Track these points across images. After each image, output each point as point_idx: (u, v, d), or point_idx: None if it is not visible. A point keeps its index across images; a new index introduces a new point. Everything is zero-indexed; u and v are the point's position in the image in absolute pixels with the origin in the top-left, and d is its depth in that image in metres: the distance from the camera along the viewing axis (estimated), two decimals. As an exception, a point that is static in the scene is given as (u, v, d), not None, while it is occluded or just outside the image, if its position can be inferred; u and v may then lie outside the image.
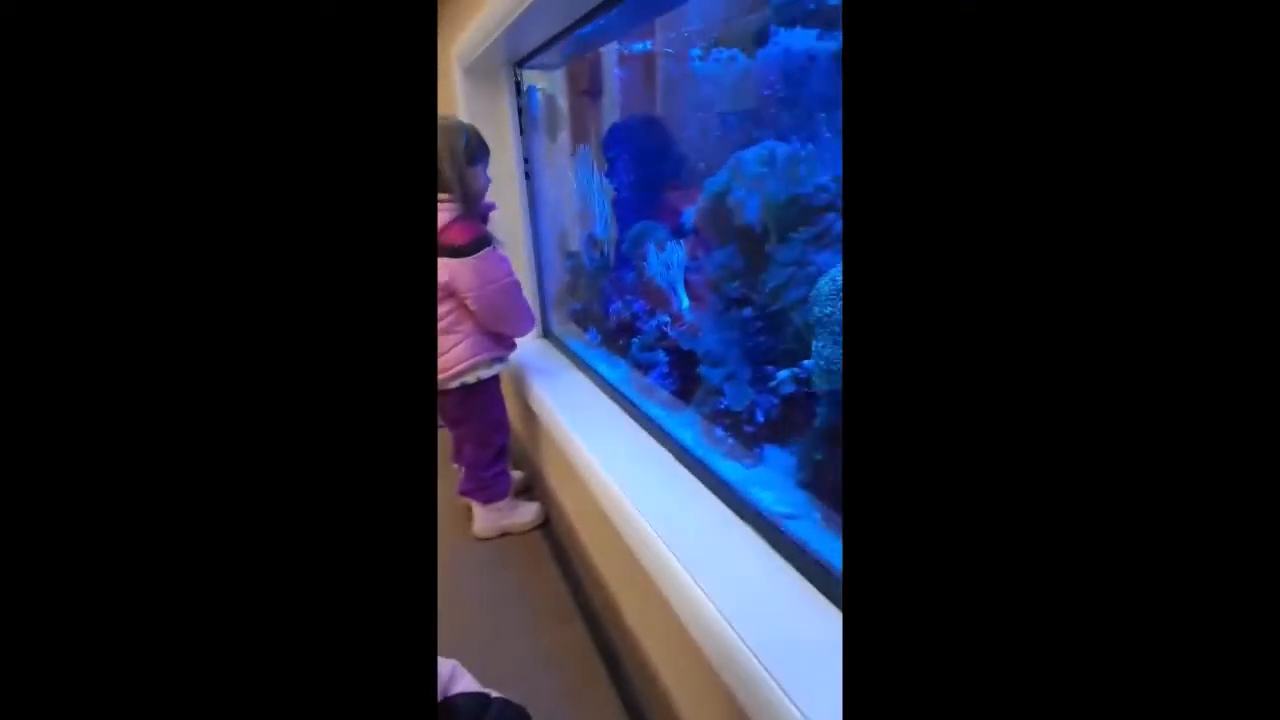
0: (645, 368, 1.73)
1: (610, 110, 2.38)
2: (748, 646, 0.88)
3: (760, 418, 1.30)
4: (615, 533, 1.35)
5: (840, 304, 1.03)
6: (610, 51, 2.30)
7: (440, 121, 1.81)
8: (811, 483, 1.14)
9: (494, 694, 0.71)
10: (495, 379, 2.10)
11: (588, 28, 1.72)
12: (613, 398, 1.80)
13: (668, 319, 1.72)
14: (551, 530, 2.25)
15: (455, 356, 1.95)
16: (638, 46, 2.17)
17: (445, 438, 2.23)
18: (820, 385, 1.09)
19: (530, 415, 2.18)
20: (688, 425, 1.49)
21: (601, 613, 1.76)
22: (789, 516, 1.12)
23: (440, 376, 1.97)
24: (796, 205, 1.27)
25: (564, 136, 2.51)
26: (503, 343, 2.06)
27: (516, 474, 2.44)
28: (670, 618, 1.12)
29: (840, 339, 1.02)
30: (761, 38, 1.47)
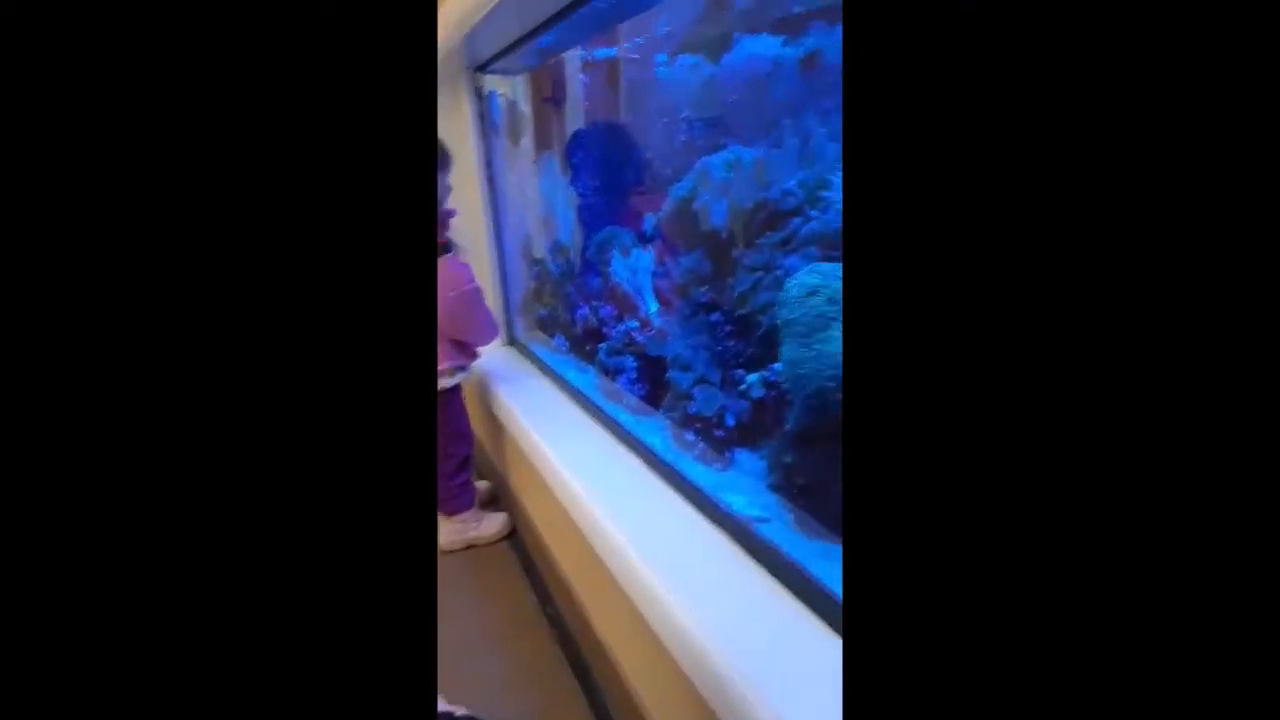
0: (613, 373, 1.72)
1: (574, 116, 2.37)
2: (720, 652, 0.87)
3: (730, 421, 1.29)
4: (584, 542, 1.33)
5: (807, 307, 1.04)
6: (573, 57, 2.29)
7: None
8: (782, 485, 1.14)
9: (460, 712, 0.69)
10: (457, 389, 2.06)
11: (550, 34, 1.71)
12: (580, 404, 1.78)
13: (636, 324, 1.71)
14: (519, 541, 2.21)
15: (417, 365, 1.90)
16: (601, 53, 2.16)
17: (407, 449, 2.16)
18: (789, 388, 1.10)
19: (495, 424, 2.14)
20: (657, 430, 1.48)
21: (571, 623, 1.73)
22: (760, 520, 1.12)
23: (401, 386, 1.91)
24: (763, 210, 1.28)
25: (526, 142, 2.48)
26: (464, 351, 2.02)
27: (481, 485, 2.39)
28: (641, 626, 1.11)
29: (807, 342, 1.03)
30: (725, 44, 1.48)
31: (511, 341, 2.59)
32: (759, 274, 1.24)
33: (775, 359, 1.14)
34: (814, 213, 1.20)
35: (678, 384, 1.40)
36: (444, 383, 1.98)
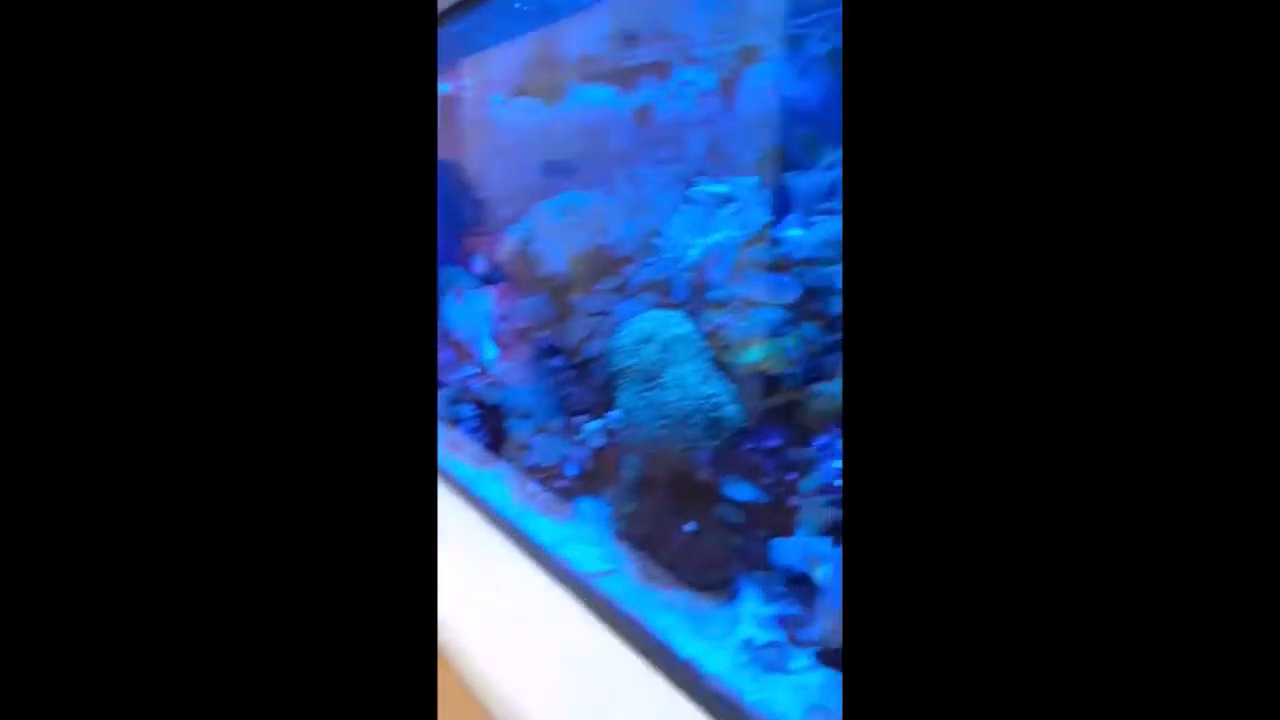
0: (452, 422, 1.62)
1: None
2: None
3: (572, 471, 1.25)
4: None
5: (641, 355, 1.04)
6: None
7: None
8: (626, 535, 1.12)
9: None
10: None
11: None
12: (416, 457, 1.65)
13: (475, 370, 1.62)
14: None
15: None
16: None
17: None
18: (627, 436, 1.08)
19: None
20: (498, 481, 1.40)
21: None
22: (603, 574, 1.08)
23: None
24: (599, 255, 1.28)
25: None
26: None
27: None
28: (471, 703, 1.01)
29: (642, 389, 1.03)
30: (561, 91, 1.48)
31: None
32: (595, 320, 1.23)
33: (615, 405, 1.12)
34: (648, 260, 1.21)
35: (518, 432, 1.34)
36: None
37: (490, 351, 1.58)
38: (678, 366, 1.01)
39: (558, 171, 1.49)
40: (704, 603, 1.00)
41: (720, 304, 1.04)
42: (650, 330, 1.06)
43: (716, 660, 0.89)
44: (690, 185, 1.13)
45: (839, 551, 0.86)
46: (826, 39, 1.22)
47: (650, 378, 1.02)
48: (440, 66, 1.92)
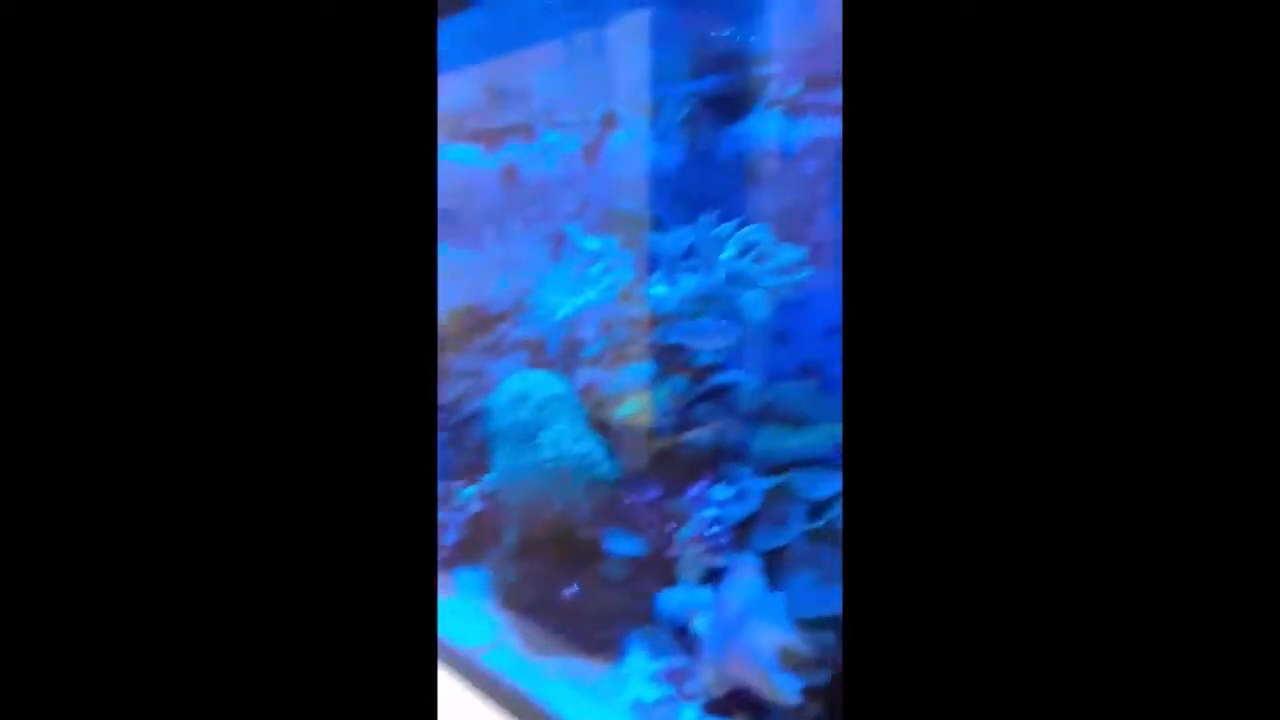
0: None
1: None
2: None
3: (450, 539, 1.20)
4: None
5: (516, 415, 1.03)
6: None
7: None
8: (508, 604, 1.07)
9: None
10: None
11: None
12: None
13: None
14: None
15: None
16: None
17: None
18: (505, 499, 1.05)
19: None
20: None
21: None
22: (484, 648, 1.03)
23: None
24: (470, 313, 1.26)
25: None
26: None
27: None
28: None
29: (517, 450, 1.01)
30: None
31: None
32: (470, 380, 1.20)
33: (490, 468, 1.09)
34: (520, 317, 1.21)
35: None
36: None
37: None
38: (552, 425, 1.00)
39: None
40: (592, 666, 0.98)
41: (593, 360, 1.06)
42: (524, 390, 1.05)
43: (606, 726, 0.86)
44: (559, 244, 1.15)
45: (719, 597, 0.88)
46: (683, 107, 1.31)
47: (525, 438, 1.01)
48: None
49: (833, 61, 1.19)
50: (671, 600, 0.96)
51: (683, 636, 0.94)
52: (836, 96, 1.19)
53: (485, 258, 1.29)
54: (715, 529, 0.90)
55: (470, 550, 1.20)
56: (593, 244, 1.11)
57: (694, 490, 0.96)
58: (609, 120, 1.25)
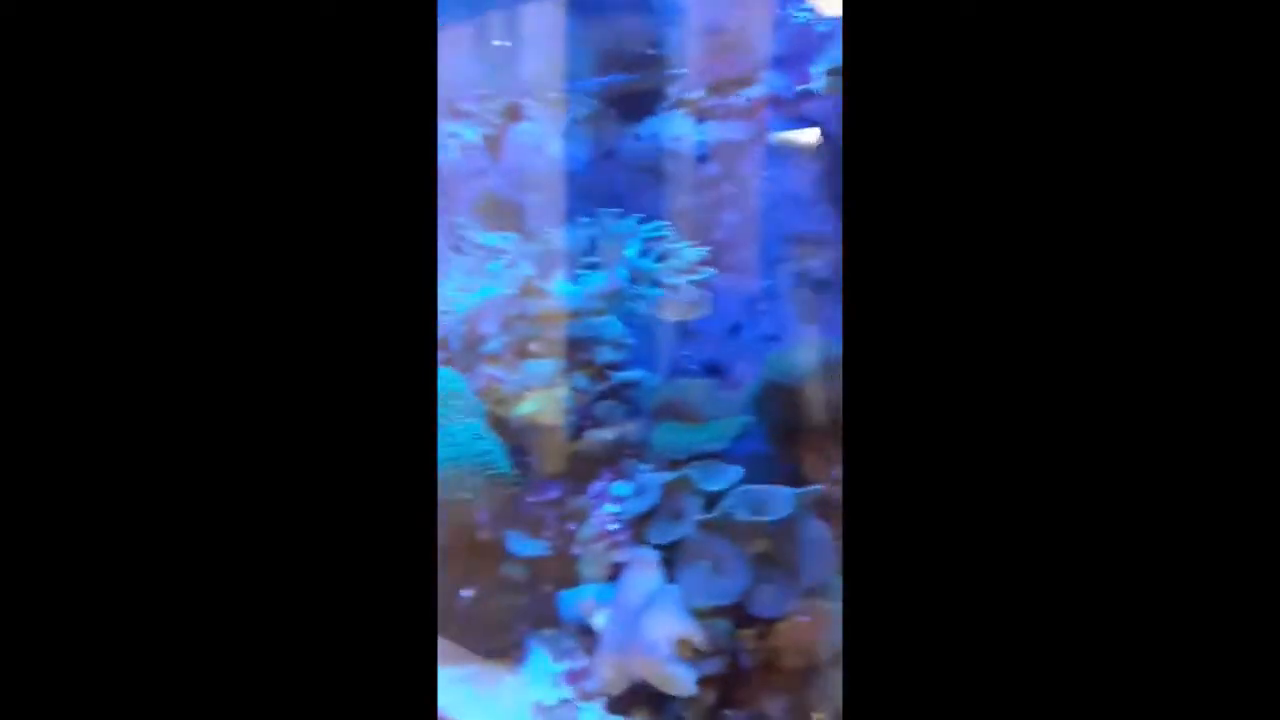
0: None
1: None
2: None
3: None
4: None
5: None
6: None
7: None
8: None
9: None
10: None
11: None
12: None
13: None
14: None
15: None
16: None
17: None
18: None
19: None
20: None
21: None
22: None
23: None
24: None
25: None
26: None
27: None
28: None
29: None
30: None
31: None
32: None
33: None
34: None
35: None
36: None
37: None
38: (450, 424, 0.97)
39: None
40: (493, 670, 0.95)
41: (493, 357, 1.03)
42: (419, 388, 1.01)
43: (506, 731, 0.84)
44: (459, 238, 1.11)
45: (618, 593, 0.88)
46: (588, 103, 1.30)
47: (420, 438, 0.97)
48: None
49: (737, 66, 1.23)
50: (573, 600, 0.95)
51: (584, 636, 0.93)
52: (739, 100, 1.23)
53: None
54: (615, 525, 0.90)
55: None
56: (492, 239, 1.09)
57: (595, 488, 0.95)
58: (512, 112, 1.23)
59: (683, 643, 0.78)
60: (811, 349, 1.05)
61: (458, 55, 1.30)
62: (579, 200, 1.12)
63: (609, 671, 0.85)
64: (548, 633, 0.96)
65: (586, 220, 1.10)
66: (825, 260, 1.16)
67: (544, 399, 1.00)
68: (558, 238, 1.08)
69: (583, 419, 1.00)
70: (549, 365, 1.01)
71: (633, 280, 1.09)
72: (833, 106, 1.12)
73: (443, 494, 0.96)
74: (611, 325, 1.06)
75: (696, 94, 1.24)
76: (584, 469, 0.98)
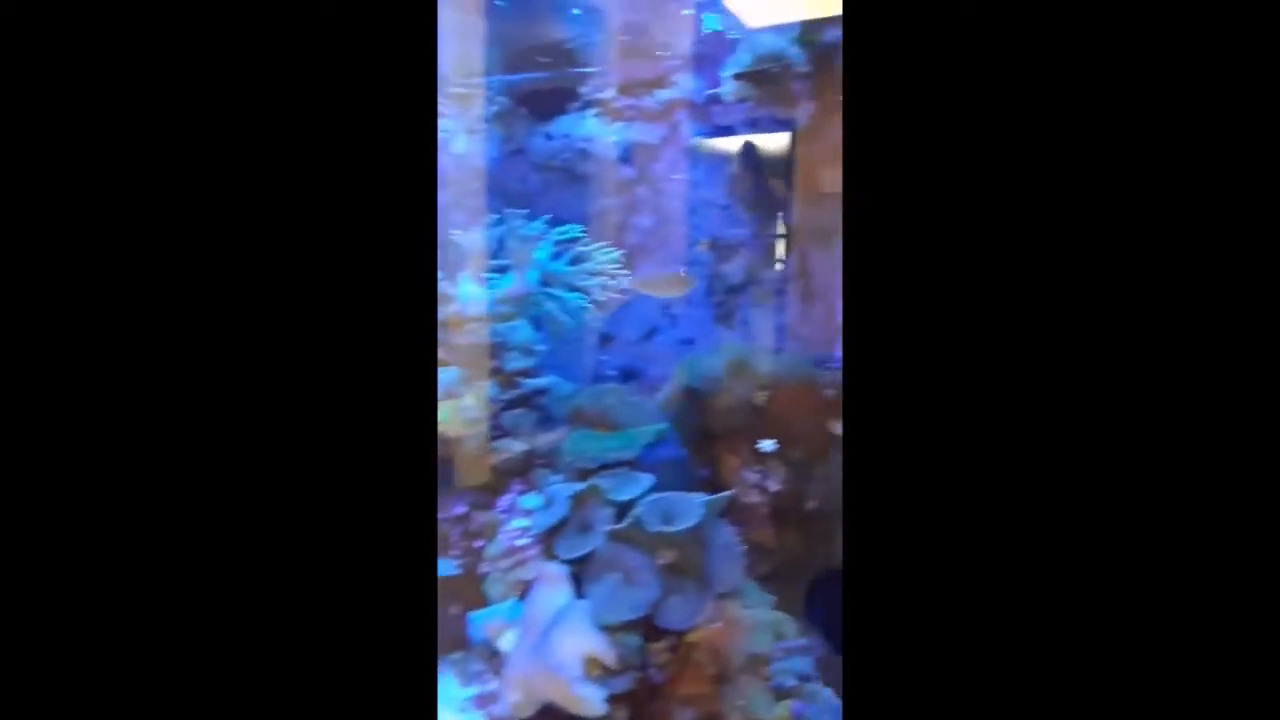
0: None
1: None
2: None
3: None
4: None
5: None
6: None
7: None
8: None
9: None
10: None
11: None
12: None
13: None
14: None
15: None
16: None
17: None
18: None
19: None
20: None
21: None
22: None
23: None
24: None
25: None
26: None
27: None
28: None
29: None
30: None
31: None
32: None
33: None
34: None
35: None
36: None
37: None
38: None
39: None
40: (396, 701, 0.89)
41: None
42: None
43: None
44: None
45: (526, 611, 0.84)
46: (493, 101, 1.26)
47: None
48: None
49: (648, 69, 1.21)
50: (482, 621, 0.90)
51: (493, 658, 0.89)
52: (650, 102, 1.22)
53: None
54: (523, 540, 0.86)
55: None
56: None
57: (503, 502, 0.91)
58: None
59: (591, 661, 0.75)
60: (724, 352, 1.05)
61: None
62: (487, 200, 1.07)
63: (517, 694, 0.81)
64: (455, 656, 0.91)
65: (495, 221, 1.06)
66: (739, 264, 1.17)
67: (449, 409, 0.94)
68: (464, 239, 1.03)
69: (490, 429, 0.95)
70: (453, 373, 0.96)
71: (543, 283, 1.05)
72: (740, 111, 1.13)
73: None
74: (521, 330, 1.02)
75: (608, 94, 1.22)
76: (492, 482, 0.93)
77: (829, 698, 0.82)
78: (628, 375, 1.24)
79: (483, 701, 0.86)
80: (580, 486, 0.84)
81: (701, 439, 1.02)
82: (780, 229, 1.20)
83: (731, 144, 1.18)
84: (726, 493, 0.82)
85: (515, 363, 1.00)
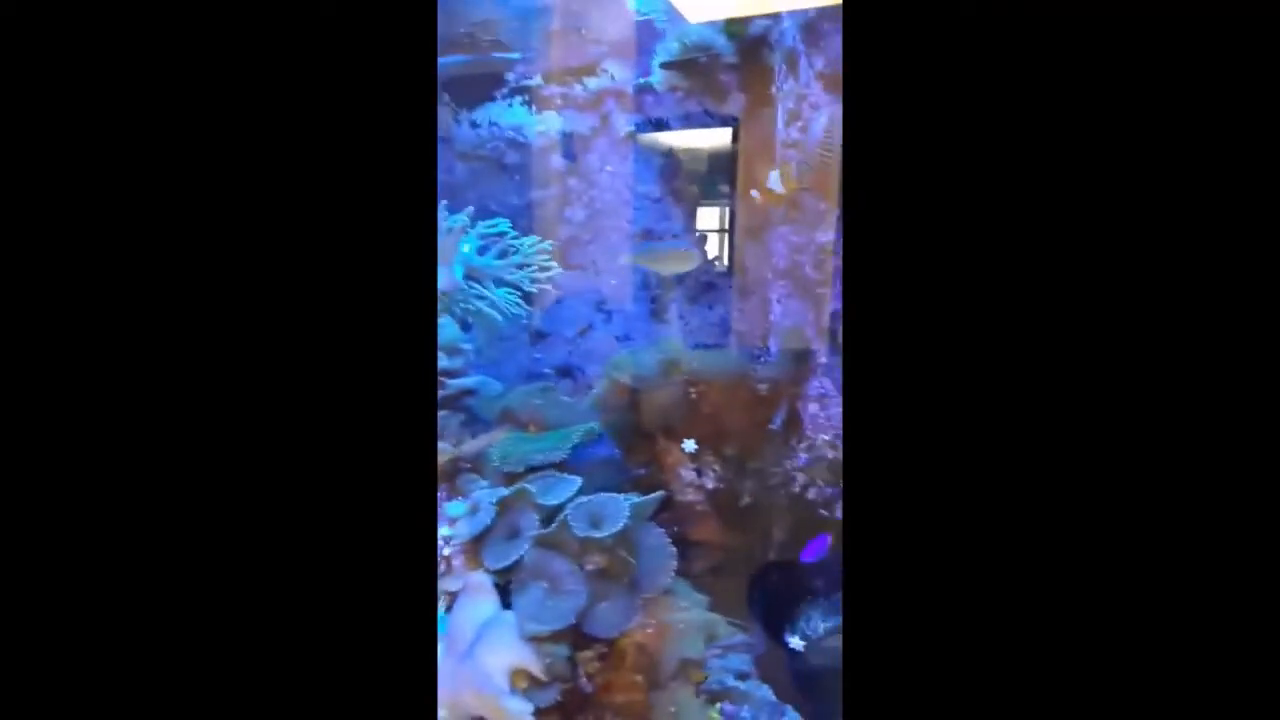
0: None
1: None
2: None
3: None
4: None
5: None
6: None
7: None
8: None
9: None
10: None
11: None
12: None
13: None
14: None
15: None
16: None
17: None
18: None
19: None
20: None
21: None
22: None
23: None
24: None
25: None
26: None
27: None
28: None
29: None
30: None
31: None
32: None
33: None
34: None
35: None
36: None
37: None
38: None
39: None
40: None
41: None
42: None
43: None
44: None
45: (450, 624, 0.80)
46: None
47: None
48: None
49: (575, 55, 1.18)
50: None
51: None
52: (578, 90, 1.18)
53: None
54: (448, 550, 0.82)
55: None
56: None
57: (425, 508, 0.87)
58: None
59: (518, 673, 0.72)
60: (657, 349, 1.03)
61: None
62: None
63: (443, 710, 0.77)
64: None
65: (416, 214, 1.00)
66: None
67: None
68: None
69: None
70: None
71: (469, 279, 1.01)
72: (672, 102, 1.11)
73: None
74: (446, 328, 0.98)
75: (535, 81, 1.17)
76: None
77: (766, 696, 0.82)
78: (563, 373, 1.21)
79: (409, 719, 0.82)
80: (508, 491, 0.80)
81: (636, 437, 1.00)
82: (714, 223, 1.18)
83: (665, 137, 1.16)
84: (656, 494, 0.80)
85: (440, 363, 0.95)
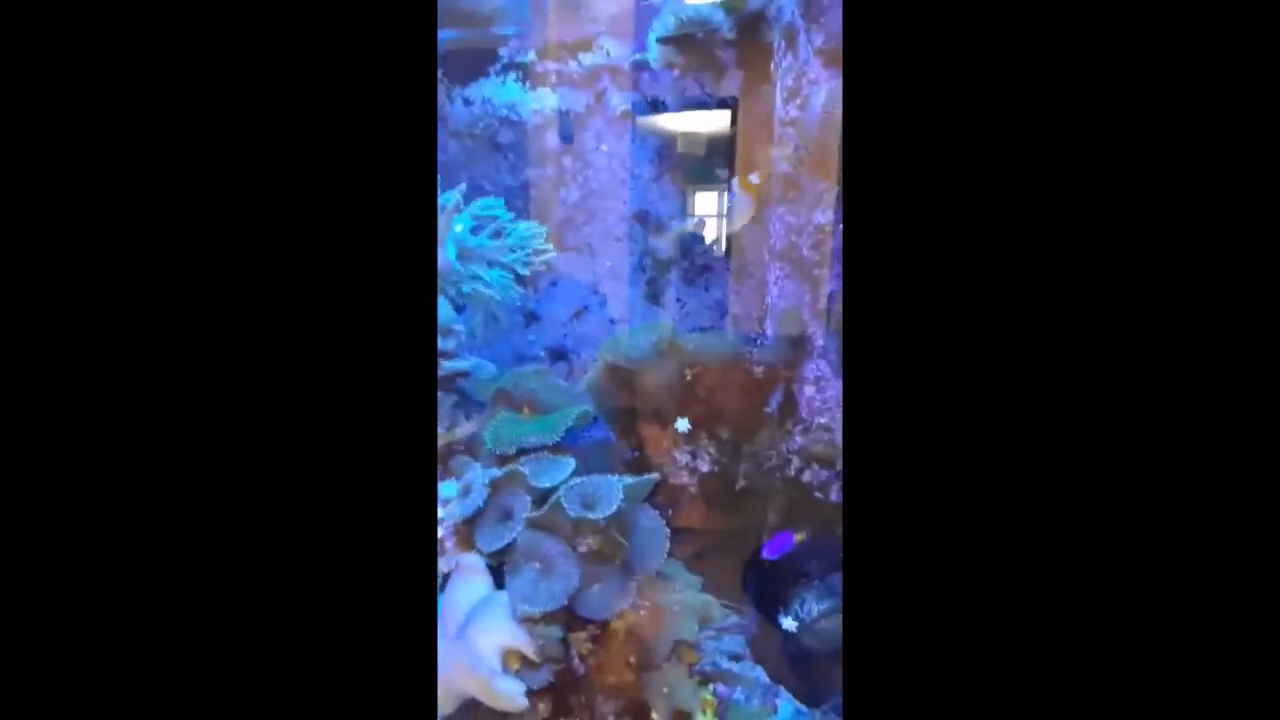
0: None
1: None
2: None
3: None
4: None
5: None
6: None
7: None
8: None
9: None
10: None
11: None
12: None
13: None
14: None
15: None
16: None
17: None
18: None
19: None
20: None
21: None
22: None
23: None
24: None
25: None
26: None
27: None
28: None
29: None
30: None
31: None
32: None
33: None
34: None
35: None
36: None
37: None
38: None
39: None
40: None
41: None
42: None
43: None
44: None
45: (443, 605, 0.80)
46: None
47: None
48: None
49: (570, 30, 1.15)
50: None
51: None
52: (573, 66, 1.16)
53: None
54: (440, 532, 0.82)
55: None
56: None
57: (418, 490, 0.86)
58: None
59: (510, 654, 0.72)
60: (652, 331, 1.02)
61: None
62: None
63: (437, 690, 0.77)
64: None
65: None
66: (668, 239, 1.13)
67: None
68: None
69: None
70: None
71: (461, 259, 0.99)
72: (668, 79, 1.09)
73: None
74: (440, 309, 0.96)
75: (529, 57, 1.15)
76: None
77: (759, 677, 0.82)
78: (556, 355, 1.20)
79: (402, 700, 0.82)
80: (500, 472, 0.80)
81: (630, 420, 0.99)
82: (711, 205, 1.17)
83: (662, 116, 1.14)
84: (649, 476, 0.79)
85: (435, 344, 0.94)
